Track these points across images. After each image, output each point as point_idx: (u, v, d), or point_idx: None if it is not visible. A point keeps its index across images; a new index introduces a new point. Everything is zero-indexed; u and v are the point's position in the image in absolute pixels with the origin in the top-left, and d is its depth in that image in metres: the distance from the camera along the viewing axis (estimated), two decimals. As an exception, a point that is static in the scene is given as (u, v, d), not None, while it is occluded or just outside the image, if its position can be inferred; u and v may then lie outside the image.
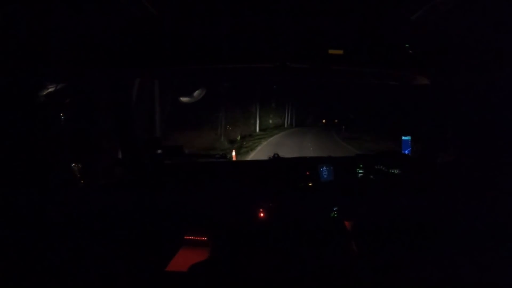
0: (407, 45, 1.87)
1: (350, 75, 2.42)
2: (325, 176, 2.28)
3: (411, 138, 2.68)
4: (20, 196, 1.75)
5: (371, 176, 2.33)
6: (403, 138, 2.66)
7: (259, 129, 21.29)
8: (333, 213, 2.05)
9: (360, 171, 2.33)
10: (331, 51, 1.89)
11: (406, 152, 2.66)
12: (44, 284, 1.34)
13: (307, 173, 2.27)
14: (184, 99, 2.63)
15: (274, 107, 25.60)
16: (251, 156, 11.36)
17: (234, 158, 5.76)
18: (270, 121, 24.81)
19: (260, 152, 12.01)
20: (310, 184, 2.25)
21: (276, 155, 2.43)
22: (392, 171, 2.32)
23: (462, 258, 1.52)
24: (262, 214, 1.96)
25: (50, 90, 1.99)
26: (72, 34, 1.67)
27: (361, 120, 21.13)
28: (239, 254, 1.74)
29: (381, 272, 1.50)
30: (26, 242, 1.58)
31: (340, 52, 1.90)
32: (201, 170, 2.44)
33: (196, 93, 2.51)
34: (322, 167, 2.28)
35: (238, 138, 15.16)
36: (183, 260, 1.71)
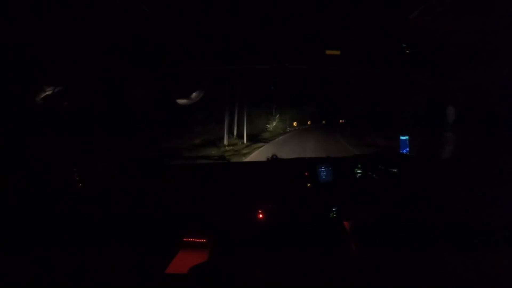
0: (403, 45, 1.88)
1: (348, 75, 2.43)
2: (324, 177, 2.27)
3: (409, 137, 2.68)
4: (19, 199, 1.74)
5: (370, 176, 2.33)
6: (401, 137, 2.67)
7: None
8: (332, 214, 2.05)
9: (358, 171, 2.34)
10: (328, 52, 1.90)
11: (404, 151, 2.67)
12: (44, 286, 1.33)
13: (306, 174, 2.27)
14: (181, 101, 2.62)
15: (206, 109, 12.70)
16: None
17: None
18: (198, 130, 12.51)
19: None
20: (309, 185, 2.25)
21: (274, 156, 2.43)
22: (391, 171, 2.32)
23: (462, 257, 1.52)
24: (261, 216, 1.96)
25: (47, 93, 1.98)
26: (69, 36, 1.66)
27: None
28: (238, 256, 1.73)
29: (381, 272, 1.50)
30: (26, 244, 1.57)
31: (337, 52, 1.90)
32: (199, 172, 2.44)
33: (193, 95, 2.51)
34: (321, 168, 2.28)
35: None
36: (182, 262, 1.70)
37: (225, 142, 13.27)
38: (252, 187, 2.18)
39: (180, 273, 1.55)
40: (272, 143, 14.29)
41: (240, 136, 14.31)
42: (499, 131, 2.09)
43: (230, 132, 13.92)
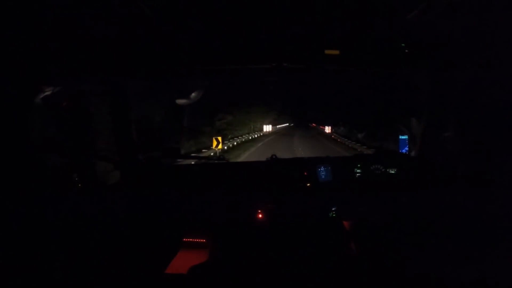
0: (403, 45, 1.87)
1: (347, 75, 2.43)
2: (323, 177, 2.27)
3: (408, 137, 2.68)
4: (19, 200, 1.74)
5: (369, 176, 2.33)
6: (400, 137, 2.67)
7: None
8: (331, 213, 2.05)
9: (358, 170, 2.34)
10: (327, 51, 1.90)
11: (404, 151, 2.67)
12: (44, 286, 1.33)
13: (305, 173, 2.27)
14: (180, 101, 2.62)
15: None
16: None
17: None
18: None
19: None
20: (308, 184, 2.24)
21: (274, 156, 2.43)
22: (390, 170, 2.32)
23: (461, 257, 1.52)
24: (260, 215, 1.96)
25: (47, 93, 1.98)
26: (68, 37, 1.66)
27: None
28: (238, 256, 1.74)
29: (380, 272, 1.50)
30: (25, 245, 1.57)
31: (337, 52, 1.90)
32: (199, 172, 2.44)
33: (193, 95, 2.50)
34: (320, 168, 2.28)
35: None
36: (182, 262, 1.71)
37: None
38: (252, 187, 2.17)
39: (180, 273, 1.55)
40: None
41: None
42: (499, 131, 2.10)
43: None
